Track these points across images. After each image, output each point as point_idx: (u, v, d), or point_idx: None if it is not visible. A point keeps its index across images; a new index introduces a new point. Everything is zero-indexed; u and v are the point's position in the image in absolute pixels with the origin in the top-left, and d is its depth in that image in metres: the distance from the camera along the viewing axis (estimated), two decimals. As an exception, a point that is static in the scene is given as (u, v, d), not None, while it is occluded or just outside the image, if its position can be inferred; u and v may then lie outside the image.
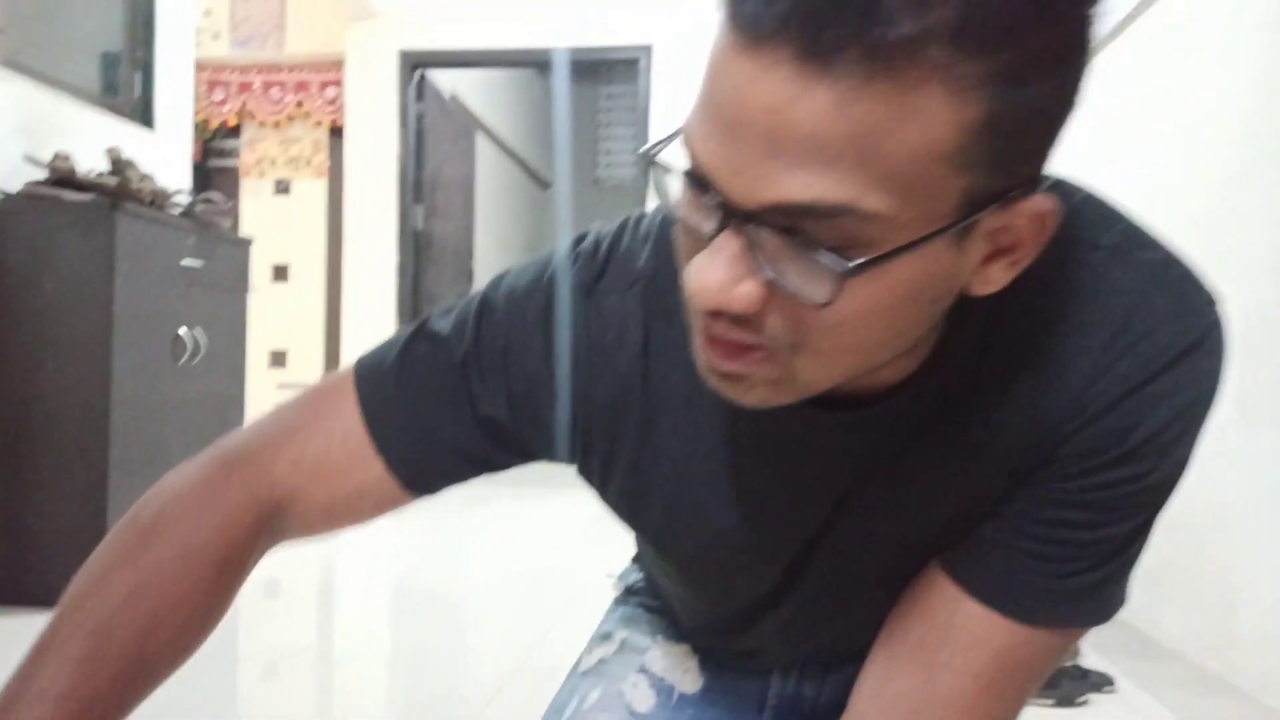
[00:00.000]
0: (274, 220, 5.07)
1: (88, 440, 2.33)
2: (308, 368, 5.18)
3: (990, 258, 0.47)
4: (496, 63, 4.97)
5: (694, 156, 0.44)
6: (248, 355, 3.01)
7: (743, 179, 0.42)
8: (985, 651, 0.60)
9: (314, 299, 5.16)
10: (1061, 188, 0.56)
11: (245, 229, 5.00)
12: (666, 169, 0.47)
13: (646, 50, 4.64)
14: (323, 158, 5.12)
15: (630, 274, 0.62)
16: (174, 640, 0.60)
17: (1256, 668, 1.56)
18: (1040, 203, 0.45)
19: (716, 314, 0.46)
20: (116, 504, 2.35)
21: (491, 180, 6.26)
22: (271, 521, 0.64)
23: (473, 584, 2.83)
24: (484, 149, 6.03)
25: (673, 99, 4.63)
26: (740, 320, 0.45)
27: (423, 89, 4.84)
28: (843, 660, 0.71)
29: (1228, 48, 1.67)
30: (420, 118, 4.83)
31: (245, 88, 5.07)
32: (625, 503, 0.68)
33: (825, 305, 0.43)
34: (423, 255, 4.86)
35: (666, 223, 0.62)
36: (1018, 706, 0.63)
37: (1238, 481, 1.63)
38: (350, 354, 4.71)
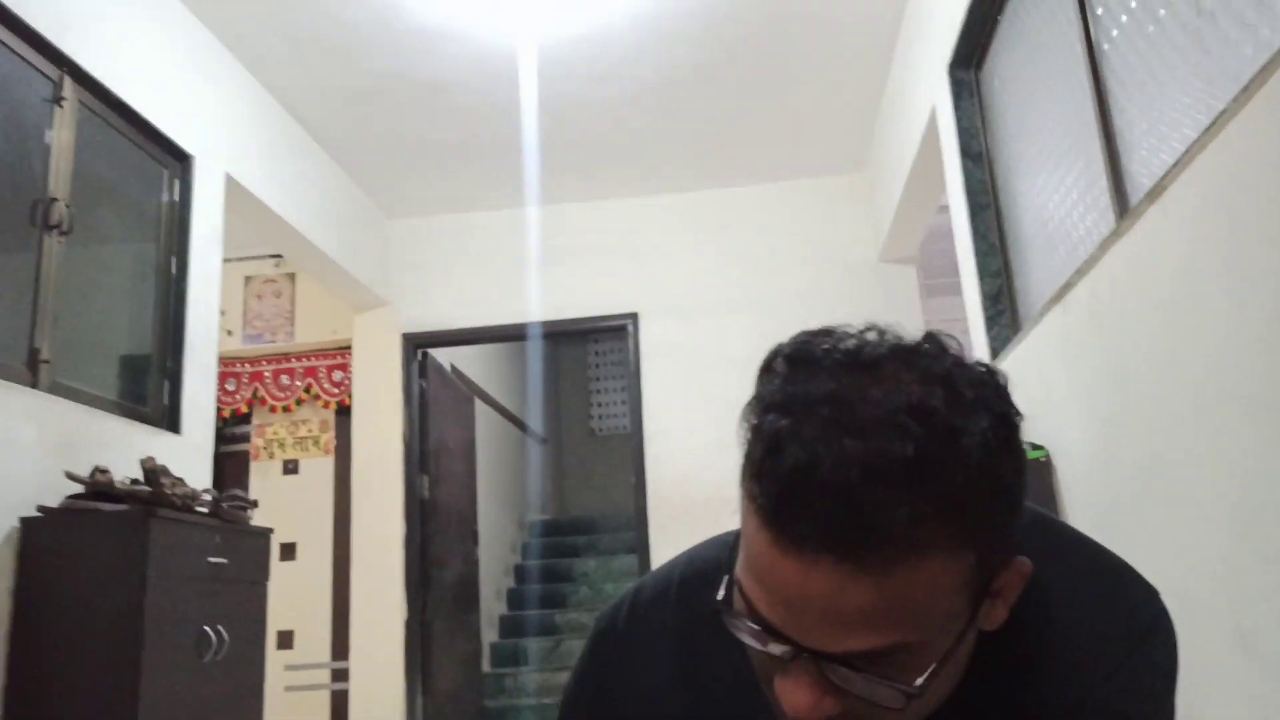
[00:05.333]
0: (282, 500, 5.18)
1: (112, 748, 2.32)
2: (315, 647, 5.09)
3: (991, 603, 0.61)
4: (492, 338, 5.30)
5: (758, 613, 0.58)
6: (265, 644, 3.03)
7: (810, 637, 0.56)
8: None
9: (321, 576, 5.17)
10: None
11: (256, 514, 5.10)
12: (735, 616, 0.60)
13: (633, 316, 4.99)
14: (329, 436, 5.32)
15: (657, 633, 0.76)
16: None
17: None
18: (1020, 565, 0.61)
19: None
20: (137, 818, 2.31)
21: (490, 441, 6.46)
22: None
23: None
24: (482, 413, 6.28)
25: (659, 355, 4.93)
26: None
27: (424, 366, 5.13)
28: None
29: (1138, 317, 1.90)
30: (423, 392, 5.08)
31: (257, 376, 5.35)
32: None
33: (900, 711, 0.57)
34: (428, 522, 4.95)
35: (684, 583, 0.77)
36: None
37: (1247, 715, 1.68)
38: (359, 630, 4.68)
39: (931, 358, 0.58)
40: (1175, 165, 1.68)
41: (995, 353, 3.00)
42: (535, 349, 7.45)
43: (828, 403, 0.54)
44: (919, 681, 0.55)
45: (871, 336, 0.59)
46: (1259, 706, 1.63)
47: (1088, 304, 2.25)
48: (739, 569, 0.60)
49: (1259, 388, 1.51)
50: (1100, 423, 2.26)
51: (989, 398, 0.57)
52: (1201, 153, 1.58)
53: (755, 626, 0.58)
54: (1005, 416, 0.57)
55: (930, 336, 0.60)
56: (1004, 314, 3.05)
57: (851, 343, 0.59)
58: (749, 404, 0.59)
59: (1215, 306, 1.63)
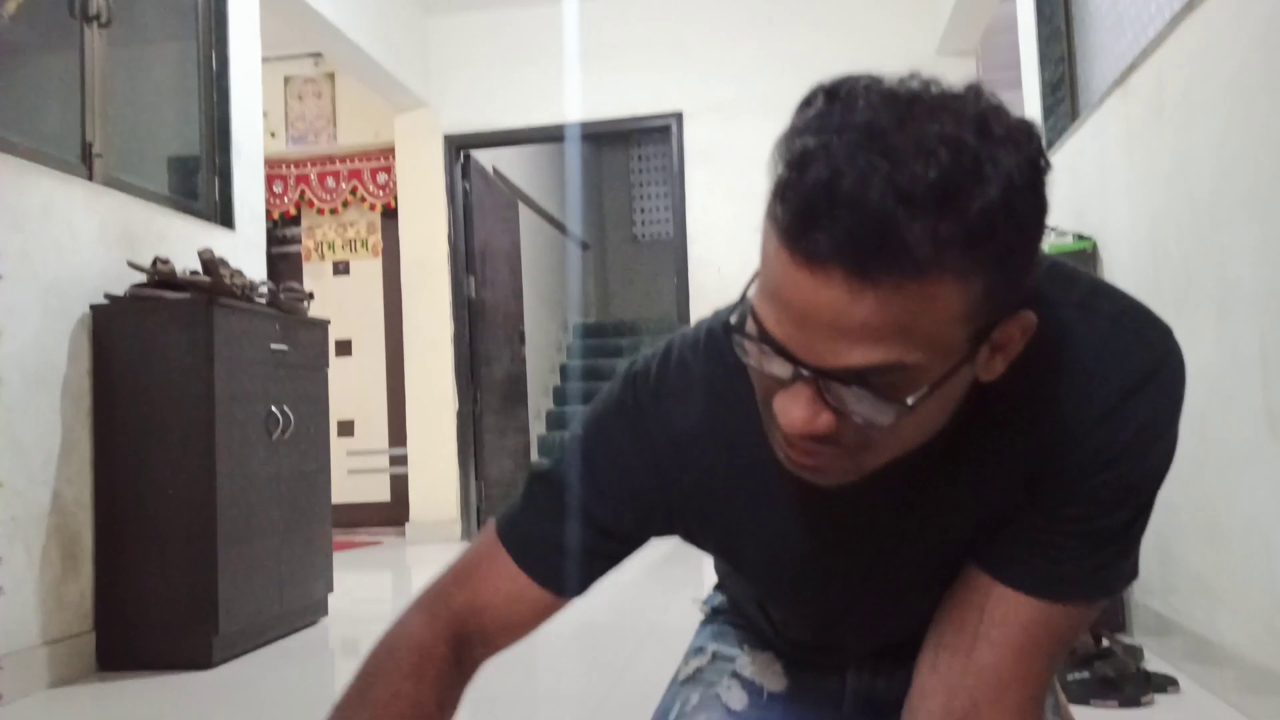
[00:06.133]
0: (335, 299, 5.35)
1: (196, 514, 2.53)
2: (374, 435, 5.41)
3: (991, 354, 0.63)
4: (535, 139, 5.23)
5: (767, 330, 0.60)
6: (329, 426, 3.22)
7: (814, 352, 0.58)
8: (1014, 627, 0.73)
9: (376, 370, 5.41)
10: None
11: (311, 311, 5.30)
12: (744, 335, 0.62)
13: (677, 116, 4.87)
14: (377, 238, 5.41)
15: (688, 379, 0.79)
16: None
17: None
18: (1024, 318, 0.62)
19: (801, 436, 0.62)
20: (225, 571, 2.55)
21: (534, 246, 6.51)
22: (465, 650, 0.81)
23: (542, 632, 2.94)
24: (526, 218, 6.30)
25: (703, 157, 4.85)
26: (818, 437, 0.62)
27: (467, 168, 5.11)
28: (906, 652, 0.84)
29: (1204, 101, 1.82)
30: (466, 194, 5.09)
31: (302, 179, 5.39)
32: (723, 555, 0.87)
33: (890, 428, 0.60)
34: (476, 322, 5.09)
35: (711, 333, 0.79)
36: (1046, 671, 0.76)
37: (1271, 491, 1.73)
38: (415, 420, 4.95)
39: (969, 101, 0.59)
40: (1260, -76, 1.57)
41: (1050, 144, 2.91)
42: (577, 151, 7.34)
43: (859, 129, 0.55)
44: (910, 400, 0.58)
45: (914, 83, 0.60)
46: None
47: (1151, 87, 2.15)
48: (753, 295, 0.62)
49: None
50: (1153, 211, 2.22)
51: (1020, 140, 0.57)
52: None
53: (761, 346, 0.61)
54: (1034, 160, 0.57)
55: (972, 86, 0.60)
56: (1063, 103, 2.93)
57: (892, 83, 0.60)
58: (782, 134, 0.60)
59: (1285, 81, 1.56)
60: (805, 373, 0.59)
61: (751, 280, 0.64)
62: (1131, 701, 1.94)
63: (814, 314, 0.56)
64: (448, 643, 0.79)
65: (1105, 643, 2.15)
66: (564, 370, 7.16)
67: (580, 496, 0.80)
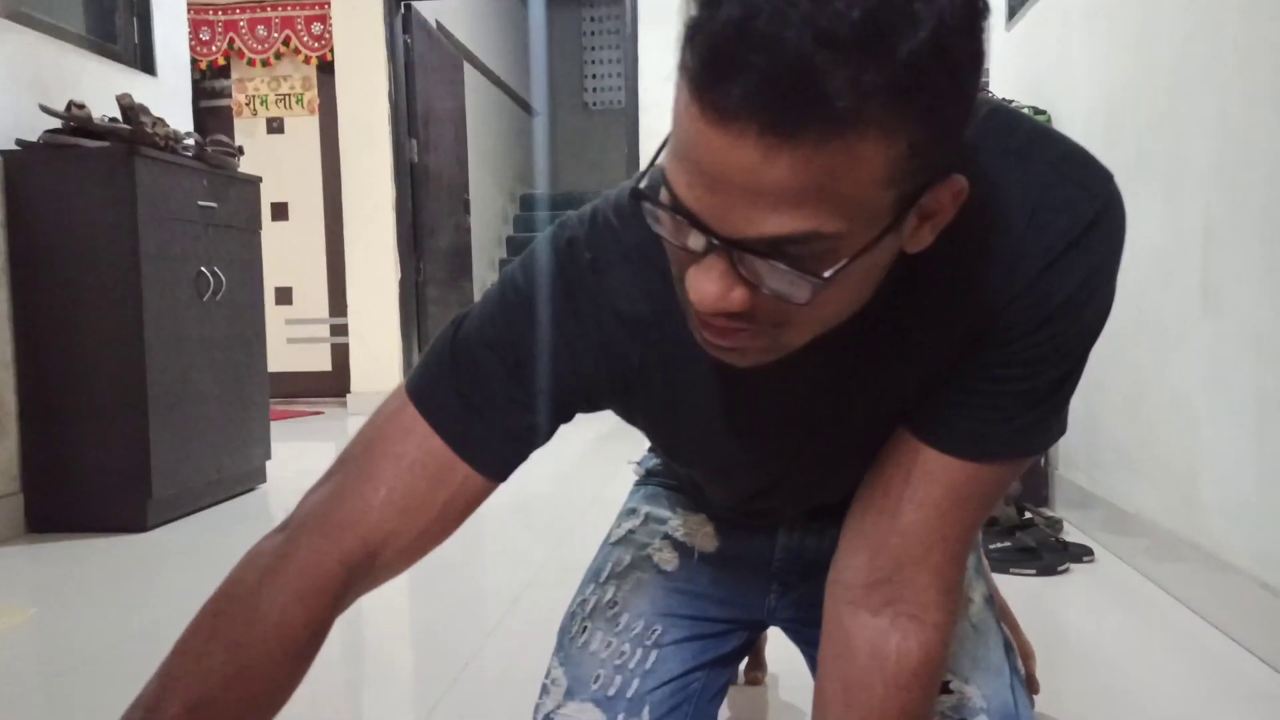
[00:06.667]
0: (269, 159, 5.10)
1: (125, 376, 2.46)
2: (313, 304, 5.28)
3: (919, 223, 0.58)
4: (481, -9, 4.96)
5: (678, 198, 0.55)
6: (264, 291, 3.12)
7: (726, 221, 0.53)
8: (940, 487, 0.73)
9: (315, 236, 5.23)
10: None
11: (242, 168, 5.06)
12: (654, 202, 0.57)
13: (631, -28, 4.64)
14: (313, 94, 5.13)
15: (623, 249, 0.73)
16: (266, 713, 0.69)
17: (1216, 528, 1.72)
18: (955, 183, 0.57)
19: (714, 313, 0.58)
20: (158, 434, 2.50)
21: (480, 110, 6.27)
22: (363, 574, 0.72)
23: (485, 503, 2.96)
24: (472, 80, 6.04)
25: (659, 19, 4.64)
26: (732, 315, 0.58)
27: (409, 20, 4.84)
28: (836, 512, 0.83)
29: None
30: (408, 49, 4.84)
31: (231, 26, 5.06)
32: (661, 435, 0.83)
33: (809, 304, 0.55)
34: (419, 189, 4.93)
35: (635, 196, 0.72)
36: (970, 529, 0.76)
37: (1199, 366, 1.77)
38: (356, 289, 4.84)
39: None
40: None
41: (1013, 12, 2.83)
42: (530, 8, 7.01)
43: None
44: (827, 274, 0.54)
45: None
46: (1213, 348, 1.72)
47: (1120, -46, 2.08)
48: (665, 157, 0.57)
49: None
50: (1111, 84, 2.18)
51: None
52: None
53: (673, 215, 0.56)
54: (971, 1, 0.52)
55: None
56: (1029, -28, 2.83)
57: None
58: None
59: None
60: (717, 243, 0.54)
61: (664, 142, 0.58)
62: (1049, 570, 2.03)
63: (726, 177, 0.51)
64: (341, 572, 0.71)
65: (1027, 515, 2.23)
66: (509, 242, 7.04)
67: (534, 375, 0.73)
